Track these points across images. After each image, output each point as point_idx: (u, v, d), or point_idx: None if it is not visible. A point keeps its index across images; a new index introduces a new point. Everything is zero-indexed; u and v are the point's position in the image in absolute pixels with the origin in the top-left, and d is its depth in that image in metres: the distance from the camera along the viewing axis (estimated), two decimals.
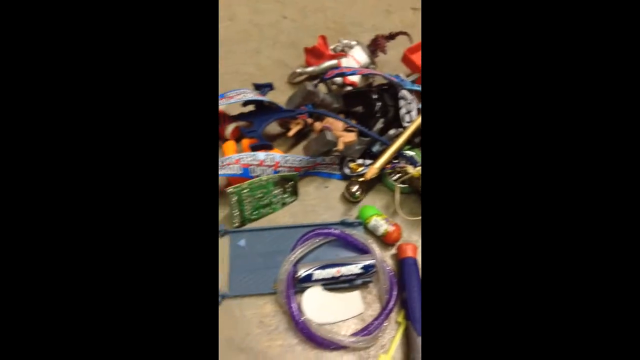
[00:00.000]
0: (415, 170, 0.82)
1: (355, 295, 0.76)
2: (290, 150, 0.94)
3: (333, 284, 0.75)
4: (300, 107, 0.87)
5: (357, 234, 0.79)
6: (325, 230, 0.79)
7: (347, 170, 0.90)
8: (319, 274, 0.74)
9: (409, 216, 0.82)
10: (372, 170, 0.82)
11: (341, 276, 0.74)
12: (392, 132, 0.89)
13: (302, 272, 0.73)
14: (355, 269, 0.75)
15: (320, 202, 0.88)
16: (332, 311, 0.74)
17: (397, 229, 0.81)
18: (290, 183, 0.85)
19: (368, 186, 0.90)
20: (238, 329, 0.72)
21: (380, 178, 0.90)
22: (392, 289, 0.76)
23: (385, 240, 0.82)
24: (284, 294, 0.72)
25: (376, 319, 0.73)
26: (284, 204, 0.86)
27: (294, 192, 0.87)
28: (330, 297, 0.75)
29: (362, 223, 0.83)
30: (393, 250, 0.82)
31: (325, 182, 0.91)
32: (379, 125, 0.88)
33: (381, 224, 0.81)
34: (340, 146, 0.82)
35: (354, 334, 0.71)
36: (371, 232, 0.82)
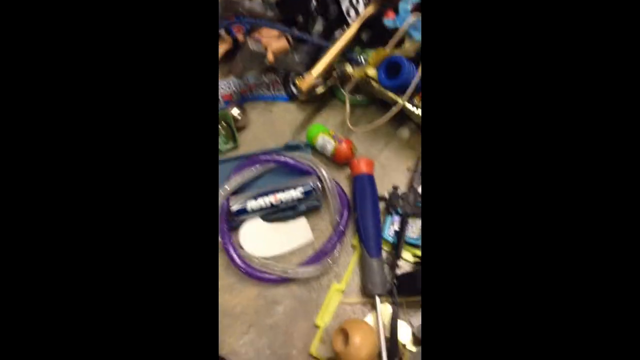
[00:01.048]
0: (355, 70, 0.69)
1: (301, 223, 0.67)
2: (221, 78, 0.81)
3: (274, 214, 0.67)
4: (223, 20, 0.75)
5: (302, 156, 0.69)
6: (263, 157, 0.69)
7: (294, 89, 0.79)
8: (255, 204, 0.65)
9: (363, 128, 0.70)
10: (308, 79, 0.70)
11: (281, 204, 0.65)
12: (337, 33, 0.76)
13: (235, 205, 0.65)
14: (295, 193, 0.65)
15: (266, 129, 0.77)
16: (276, 243, 0.66)
17: (348, 145, 0.70)
18: (224, 125, 0.75)
19: (320, 104, 0.78)
20: None
21: (334, 92, 0.78)
22: (342, 210, 0.66)
23: (336, 160, 0.71)
24: (218, 231, 0.65)
25: (325, 245, 0.64)
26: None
27: (232, 137, 0.75)
28: (272, 228, 0.67)
29: (310, 145, 0.72)
30: (349, 171, 0.71)
31: (269, 106, 0.80)
32: (319, 26, 0.75)
33: (328, 142, 0.70)
34: (270, 57, 0.71)
35: (302, 264, 0.63)
36: (321, 153, 0.72)
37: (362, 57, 0.73)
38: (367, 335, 0.54)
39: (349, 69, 0.70)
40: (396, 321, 0.57)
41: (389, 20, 0.69)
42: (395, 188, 0.67)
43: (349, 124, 0.70)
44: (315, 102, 0.78)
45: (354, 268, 0.64)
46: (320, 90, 0.75)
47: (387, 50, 0.68)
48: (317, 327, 0.60)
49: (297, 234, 0.66)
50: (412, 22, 0.66)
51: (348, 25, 0.74)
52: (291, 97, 0.79)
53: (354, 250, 0.65)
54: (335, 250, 0.64)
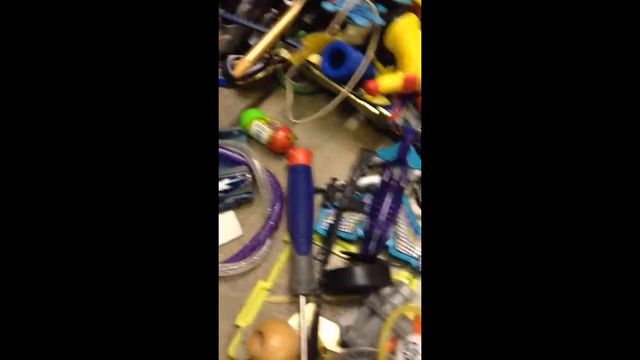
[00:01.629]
0: (292, 56, 0.65)
1: (228, 217, 0.63)
2: None
3: None
4: None
5: (234, 144, 0.65)
6: None
7: (232, 72, 0.74)
8: None
9: (303, 120, 0.66)
10: (242, 64, 0.65)
11: None
12: (268, 16, 0.71)
13: None
14: (221, 185, 0.61)
15: None
16: None
17: (286, 133, 0.66)
18: None
19: (264, 91, 0.74)
20: None
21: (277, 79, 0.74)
22: (275, 203, 0.62)
23: (273, 149, 0.67)
24: None
25: (253, 240, 0.60)
26: None
27: None
28: None
29: (244, 132, 0.68)
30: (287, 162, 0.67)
31: None
32: (246, 5, 0.70)
33: (263, 129, 0.66)
34: None
35: (227, 261, 0.59)
36: (256, 140, 0.68)
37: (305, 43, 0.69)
38: (286, 337, 0.50)
39: (284, 53, 0.65)
40: (317, 322, 0.53)
41: (328, 3, 0.64)
42: (333, 180, 0.63)
43: (290, 114, 0.66)
44: (258, 89, 0.74)
45: (284, 265, 0.60)
46: (259, 76, 0.70)
47: (327, 35, 0.64)
48: (238, 327, 0.56)
49: (224, 228, 0.62)
50: (353, 5, 0.62)
51: (285, 6, 0.70)
52: (229, 82, 0.75)
53: (286, 245, 0.61)
54: (264, 246, 0.60)
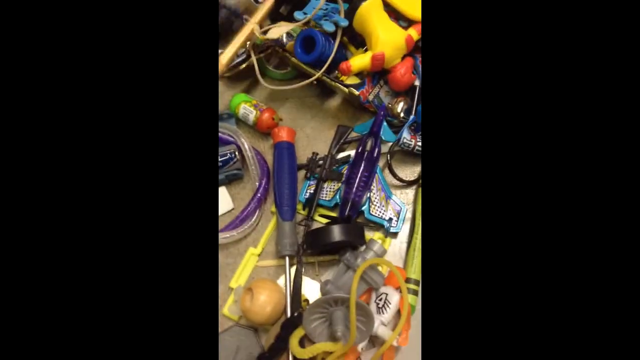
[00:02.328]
0: (265, 36, 0.70)
1: (221, 192, 0.69)
2: None
3: None
4: None
5: (225, 126, 0.71)
6: None
7: None
8: None
9: (285, 102, 0.71)
10: (222, 58, 0.70)
11: None
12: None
13: None
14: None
15: None
16: None
17: (270, 114, 0.71)
18: None
19: (252, 80, 0.79)
20: None
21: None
22: (262, 178, 0.68)
23: (259, 129, 0.73)
24: None
25: (242, 212, 0.66)
26: None
27: None
28: None
29: (233, 115, 0.74)
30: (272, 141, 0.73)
31: None
32: None
33: (250, 111, 0.71)
34: None
35: (221, 230, 0.65)
36: (244, 123, 0.74)
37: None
38: (273, 292, 0.57)
39: (258, 34, 0.70)
40: (300, 278, 0.59)
41: (299, 12, 0.68)
42: (314, 154, 0.69)
43: (260, 79, 0.71)
44: (244, 78, 0.80)
45: (272, 233, 0.66)
46: (243, 66, 0.76)
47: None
48: (231, 288, 0.62)
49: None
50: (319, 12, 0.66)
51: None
52: None
53: (273, 216, 0.67)
54: (253, 216, 0.66)
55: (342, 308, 0.53)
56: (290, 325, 0.54)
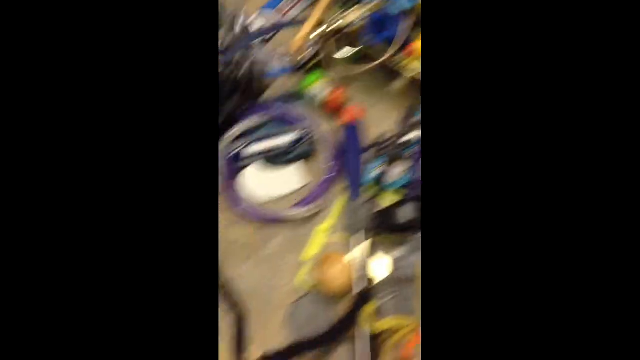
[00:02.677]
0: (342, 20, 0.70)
1: (296, 167, 0.73)
2: None
3: (272, 159, 0.73)
4: None
5: (297, 106, 0.74)
6: (262, 107, 0.75)
7: None
8: (253, 148, 0.72)
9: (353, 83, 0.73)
10: (296, 40, 0.72)
11: (277, 149, 0.72)
12: None
13: (236, 150, 0.72)
14: (288, 138, 0.71)
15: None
16: (274, 185, 0.72)
17: (339, 94, 0.73)
18: None
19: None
20: None
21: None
22: (331, 157, 0.71)
23: (328, 109, 0.75)
24: (222, 174, 0.72)
25: (316, 189, 0.70)
26: None
27: None
28: (270, 172, 0.73)
29: (304, 95, 0.76)
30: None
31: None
32: None
33: (321, 91, 0.74)
34: None
35: (295, 206, 0.70)
36: (314, 103, 0.76)
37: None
38: (344, 266, 0.61)
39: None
40: (368, 255, 0.63)
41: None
42: (382, 135, 0.71)
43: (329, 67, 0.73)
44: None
45: (341, 210, 0.70)
46: (311, 64, 0.77)
47: None
48: (303, 261, 0.67)
49: (292, 178, 0.73)
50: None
51: None
52: (291, 69, 0.81)
53: (342, 194, 0.71)
54: (325, 193, 0.70)
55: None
56: (361, 299, 0.59)
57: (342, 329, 0.59)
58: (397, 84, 0.76)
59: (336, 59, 0.76)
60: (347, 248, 0.67)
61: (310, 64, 0.77)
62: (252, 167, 0.73)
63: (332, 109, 0.74)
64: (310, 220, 0.70)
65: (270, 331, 0.64)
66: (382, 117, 0.74)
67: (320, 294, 0.63)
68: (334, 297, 0.62)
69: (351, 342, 0.60)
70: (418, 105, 0.72)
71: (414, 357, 0.58)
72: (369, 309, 0.58)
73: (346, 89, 0.75)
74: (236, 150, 0.72)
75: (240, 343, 0.63)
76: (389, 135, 0.71)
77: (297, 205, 0.70)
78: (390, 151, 0.68)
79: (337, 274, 0.60)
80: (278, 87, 0.81)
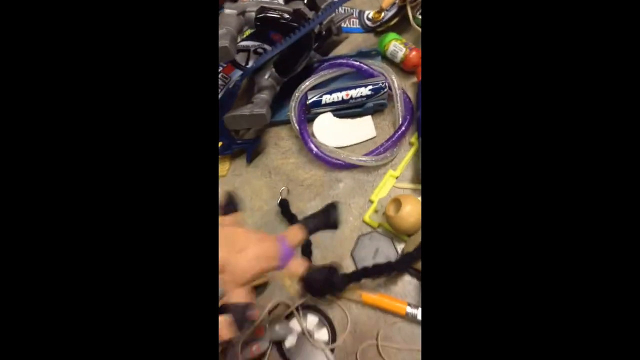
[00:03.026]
0: None
1: (366, 120, 0.76)
2: None
3: (344, 109, 0.76)
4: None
5: (374, 62, 0.77)
6: (338, 61, 0.78)
7: (368, 22, 0.86)
8: (328, 98, 0.75)
9: None
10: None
11: (350, 99, 0.74)
12: None
13: (311, 97, 0.75)
14: (364, 90, 0.74)
15: (343, 46, 0.87)
16: (344, 135, 0.75)
17: (418, 53, 0.76)
18: None
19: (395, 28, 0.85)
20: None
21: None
22: (406, 112, 0.74)
23: (404, 67, 0.78)
24: (295, 119, 0.75)
25: (387, 140, 0.73)
26: None
27: None
28: (341, 122, 0.76)
29: (381, 52, 0.80)
30: (415, 79, 0.78)
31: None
32: None
33: (400, 49, 0.77)
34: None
35: (365, 154, 0.72)
36: (390, 60, 0.79)
37: None
38: (416, 206, 0.63)
39: None
40: None
41: None
42: None
43: (413, 23, 0.77)
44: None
45: (409, 161, 0.72)
46: (393, 22, 0.82)
47: None
48: (371, 201, 0.70)
49: (362, 129, 0.76)
50: None
51: None
52: (366, 29, 0.87)
53: (411, 146, 0.73)
54: (394, 147, 0.73)
55: None
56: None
57: (407, 263, 0.61)
58: None
59: (414, 21, 0.80)
60: (414, 195, 0.69)
61: (389, 24, 0.81)
62: (325, 116, 0.76)
63: (409, 67, 0.77)
64: (378, 168, 0.73)
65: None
66: None
67: (391, 229, 0.66)
68: (404, 233, 0.64)
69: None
70: None
71: None
72: None
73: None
74: (311, 99, 0.75)
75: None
76: None
77: (367, 154, 0.73)
78: None
79: (411, 212, 0.62)
80: (355, 43, 0.85)
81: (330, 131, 0.76)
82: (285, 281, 0.65)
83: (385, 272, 0.61)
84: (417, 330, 0.60)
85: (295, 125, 0.75)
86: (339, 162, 0.72)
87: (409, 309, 0.60)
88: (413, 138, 0.73)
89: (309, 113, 0.77)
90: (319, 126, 0.76)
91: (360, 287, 0.62)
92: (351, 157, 0.71)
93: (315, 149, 0.73)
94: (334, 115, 0.76)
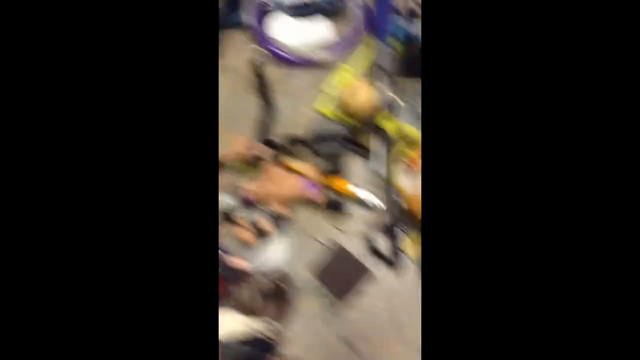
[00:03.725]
0: None
1: (324, 21, 0.77)
2: None
3: (301, 10, 0.76)
4: None
5: None
6: None
7: None
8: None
9: None
10: None
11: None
12: None
13: None
14: None
15: None
16: (301, 34, 0.76)
17: None
18: None
19: None
20: None
21: None
22: (363, 14, 0.75)
23: None
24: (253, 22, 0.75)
25: (341, 40, 0.74)
26: None
27: None
28: (299, 23, 0.77)
29: None
30: None
31: None
32: None
33: None
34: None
35: (320, 51, 0.73)
36: None
37: None
38: (367, 90, 0.64)
39: None
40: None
41: None
42: None
43: None
44: None
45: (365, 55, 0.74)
46: None
47: None
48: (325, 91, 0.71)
49: (320, 29, 0.76)
50: None
51: None
52: None
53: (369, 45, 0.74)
54: (351, 45, 0.74)
55: None
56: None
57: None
58: None
59: None
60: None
61: None
62: (283, 16, 0.76)
63: None
64: (334, 65, 0.73)
65: None
66: None
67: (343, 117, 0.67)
68: (357, 116, 0.66)
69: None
70: None
71: None
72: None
73: None
74: None
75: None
76: None
77: (323, 51, 0.73)
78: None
79: (364, 95, 0.63)
80: None
81: (288, 31, 0.76)
82: None
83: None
84: None
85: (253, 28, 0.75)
86: (297, 59, 0.73)
87: None
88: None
89: (265, 12, 0.76)
90: (278, 25, 0.76)
91: None
92: (304, 55, 0.72)
93: (271, 46, 0.73)
94: (295, 14, 0.77)
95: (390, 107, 0.66)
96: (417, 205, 0.60)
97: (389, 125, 0.65)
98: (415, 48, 0.68)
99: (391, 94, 0.67)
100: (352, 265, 0.61)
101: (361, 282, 0.60)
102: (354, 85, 0.65)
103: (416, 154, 0.64)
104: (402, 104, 0.67)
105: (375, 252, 0.62)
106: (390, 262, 0.61)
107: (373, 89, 0.65)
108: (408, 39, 0.69)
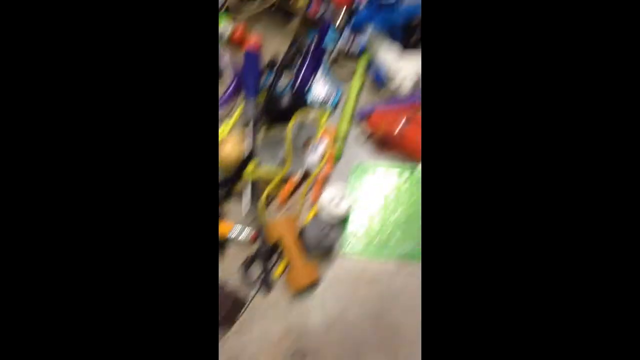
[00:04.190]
0: None
1: None
2: None
3: None
4: None
5: None
6: None
7: None
8: None
9: None
10: None
11: None
12: None
13: None
14: None
15: None
16: None
17: (243, 28, 0.90)
18: None
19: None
20: None
21: None
22: (235, 76, 0.86)
23: (233, 41, 0.91)
24: None
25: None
26: None
27: None
28: None
29: None
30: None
31: None
32: None
33: (227, 28, 0.90)
34: None
35: None
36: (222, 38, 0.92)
37: None
38: (235, 143, 0.76)
39: None
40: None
41: None
42: (275, 57, 0.88)
43: None
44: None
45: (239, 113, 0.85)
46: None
47: None
48: None
49: None
50: None
51: None
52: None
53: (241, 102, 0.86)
54: (227, 103, 0.85)
55: None
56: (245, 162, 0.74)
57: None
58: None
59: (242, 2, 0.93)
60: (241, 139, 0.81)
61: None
62: None
63: (236, 41, 0.91)
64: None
65: None
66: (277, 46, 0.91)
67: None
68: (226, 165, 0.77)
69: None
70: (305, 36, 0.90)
71: None
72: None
73: (248, 25, 0.92)
74: None
75: None
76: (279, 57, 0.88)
77: None
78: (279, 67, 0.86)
79: (229, 147, 0.76)
80: None
81: None
82: None
83: None
84: None
85: None
86: None
87: None
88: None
89: None
90: None
91: None
92: None
93: None
94: None
95: (253, 154, 0.78)
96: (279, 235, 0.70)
97: (253, 170, 0.76)
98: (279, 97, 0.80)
99: (254, 142, 0.79)
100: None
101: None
102: (221, 140, 0.76)
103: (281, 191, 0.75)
104: (264, 149, 0.79)
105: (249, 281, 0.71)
106: (265, 285, 0.71)
107: (238, 140, 0.77)
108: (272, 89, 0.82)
